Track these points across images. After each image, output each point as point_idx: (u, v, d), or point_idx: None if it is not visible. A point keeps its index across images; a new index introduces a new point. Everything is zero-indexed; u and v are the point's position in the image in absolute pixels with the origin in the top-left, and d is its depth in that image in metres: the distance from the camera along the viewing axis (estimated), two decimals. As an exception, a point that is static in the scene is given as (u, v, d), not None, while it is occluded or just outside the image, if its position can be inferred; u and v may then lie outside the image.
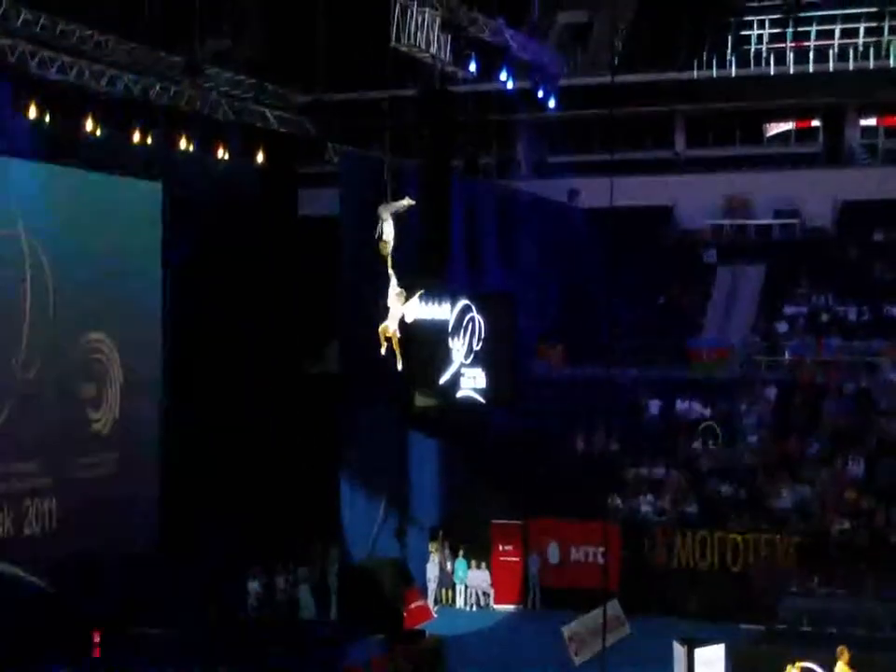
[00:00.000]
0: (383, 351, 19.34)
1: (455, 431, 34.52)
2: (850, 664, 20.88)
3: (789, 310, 40.18)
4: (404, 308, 19.38)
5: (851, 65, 41.74)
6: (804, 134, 45.78)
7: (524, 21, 37.64)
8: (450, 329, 32.85)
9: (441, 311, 32.54)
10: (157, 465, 31.32)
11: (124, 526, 29.78)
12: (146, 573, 30.27)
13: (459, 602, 33.97)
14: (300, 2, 32.42)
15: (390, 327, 19.29)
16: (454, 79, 30.56)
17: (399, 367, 19.59)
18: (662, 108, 44.81)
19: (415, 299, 19.65)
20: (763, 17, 44.34)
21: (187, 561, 30.90)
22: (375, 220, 19.39)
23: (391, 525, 32.93)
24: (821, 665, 21.50)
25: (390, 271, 19.35)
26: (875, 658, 23.82)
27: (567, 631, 28.53)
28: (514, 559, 33.92)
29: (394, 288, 19.41)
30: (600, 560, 31.85)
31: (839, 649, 21.17)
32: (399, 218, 20.20)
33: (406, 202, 20.35)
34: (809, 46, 42.93)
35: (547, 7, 43.42)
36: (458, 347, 33.18)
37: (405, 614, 31.55)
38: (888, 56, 41.45)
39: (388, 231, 19.94)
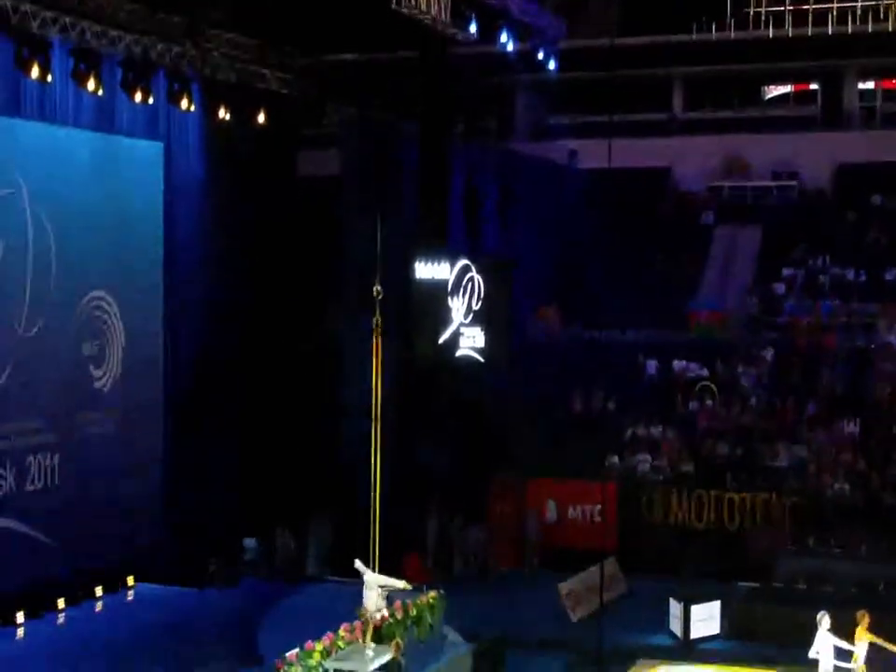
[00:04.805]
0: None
1: (453, 391, 34.64)
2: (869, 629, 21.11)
3: (786, 272, 40.35)
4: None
5: (850, 28, 41.79)
6: (802, 97, 45.94)
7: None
8: (450, 289, 32.98)
9: (441, 270, 32.65)
10: (158, 422, 31.48)
11: (126, 483, 29.96)
12: (146, 529, 30.62)
13: (457, 562, 34.16)
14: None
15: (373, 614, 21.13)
16: (454, 41, 30.56)
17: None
18: (660, 71, 44.88)
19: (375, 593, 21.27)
20: (761, -21, 44.36)
21: (187, 518, 31.18)
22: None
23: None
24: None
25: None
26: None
27: (563, 588, 28.84)
28: (512, 519, 34.12)
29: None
30: (598, 519, 32.13)
31: (859, 613, 21.34)
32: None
33: (402, 584, 21.78)
34: (808, 8, 42.94)
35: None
36: (458, 307, 33.31)
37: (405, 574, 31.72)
38: (886, 19, 41.49)
39: (372, 601, 21.19)
